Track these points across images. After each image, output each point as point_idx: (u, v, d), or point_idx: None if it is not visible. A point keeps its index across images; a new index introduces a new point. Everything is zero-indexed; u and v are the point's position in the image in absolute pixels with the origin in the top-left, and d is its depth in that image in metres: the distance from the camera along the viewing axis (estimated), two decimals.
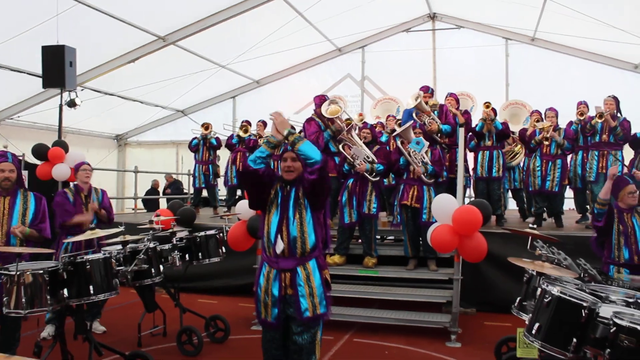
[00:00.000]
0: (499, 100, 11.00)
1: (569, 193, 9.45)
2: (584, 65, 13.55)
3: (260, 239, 4.17)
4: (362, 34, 15.20)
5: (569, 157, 8.75)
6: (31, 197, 5.07)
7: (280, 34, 12.91)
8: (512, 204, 10.47)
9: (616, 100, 8.30)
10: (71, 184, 6.48)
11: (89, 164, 6.52)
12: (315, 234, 3.96)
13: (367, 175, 7.37)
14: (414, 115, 8.16)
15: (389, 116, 10.42)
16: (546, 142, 8.31)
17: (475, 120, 8.98)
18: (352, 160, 7.40)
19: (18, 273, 4.09)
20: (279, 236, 3.91)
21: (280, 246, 3.91)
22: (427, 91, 8.60)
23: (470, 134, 8.83)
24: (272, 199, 4.01)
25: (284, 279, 3.93)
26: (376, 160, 7.43)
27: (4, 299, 4.14)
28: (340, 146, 7.60)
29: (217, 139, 10.98)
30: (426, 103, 8.33)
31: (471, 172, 9.19)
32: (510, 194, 10.20)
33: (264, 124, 11.25)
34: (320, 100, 8.20)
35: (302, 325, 3.89)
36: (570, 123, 8.79)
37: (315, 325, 3.95)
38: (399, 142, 7.44)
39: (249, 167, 3.93)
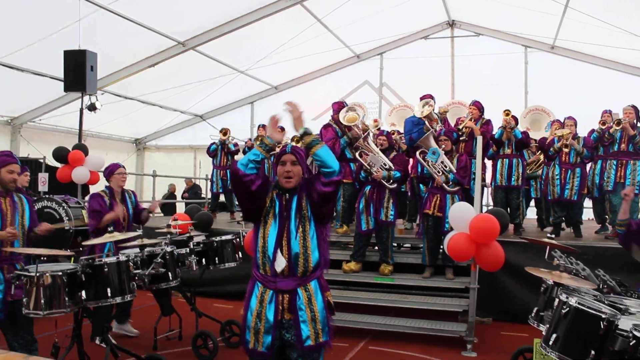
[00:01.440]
0: (518, 109, 10.91)
1: (588, 203, 9.35)
2: (604, 73, 13.42)
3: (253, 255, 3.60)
4: (381, 41, 15.20)
5: (588, 166, 8.65)
6: (23, 198, 5.09)
7: (298, 40, 12.96)
8: (530, 213, 10.38)
9: (635, 109, 8.22)
10: (104, 187, 6.45)
11: (124, 167, 6.45)
12: (319, 250, 3.47)
13: (384, 182, 7.36)
14: (427, 123, 8.12)
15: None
16: (565, 150, 8.23)
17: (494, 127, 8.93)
18: (369, 167, 7.40)
19: (38, 274, 4.14)
20: (279, 252, 3.40)
21: (281, 263, 3.39)
22: (431, 99, 8.56)
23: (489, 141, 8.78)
24: (267, 209, 3.50)
25: (281, 302, 3.41)
26: (393, 168, 7.42)
27: (24, 299, 4.19)
28: (357, 154, 7.60)
29: (236, 144, 11.03)
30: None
31: (488, 181, 9.13)
32: (533, 202, 10.12)
33: (283, 129, 11.26)
34: (338, 106, 8.22)
35: (302, 354, 3.41)
36: (592, 131, 8.70)
37: (316, 355, 3.46)
38: (418, 153, 7.43)
39: (238, 172, 3.41)
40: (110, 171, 6.34)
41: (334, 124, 8.10)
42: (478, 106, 8.82)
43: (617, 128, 8.12)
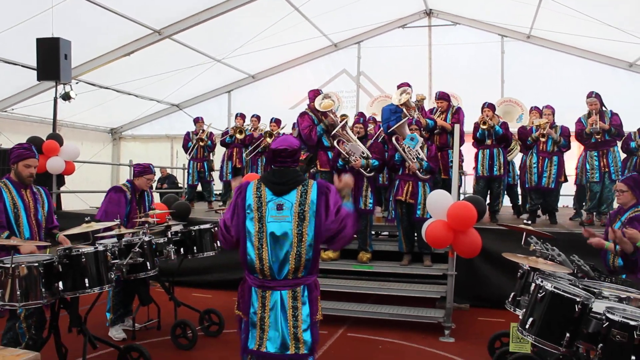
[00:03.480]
0: (494, 98, 10.99)
1: (563, 190, 9.48)
2: (579, 63, 13.60)
3: None
4: (358, 30, 15.18)
5: (577, 155, 8.76)
6: (41, 189, 5.09)
7: (276, 29, 12.88)
8: (505, 201, 10.50)
9: (599, 98, 8.33)
10: (126, 182, 6.43)
11: (154, 174, 6.49)
12: None
13: (362, 171, 7.37)
14: (404, 111, 8.14)
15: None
16: (542, 139, 8.35)
17: (470, 116, 8.98)
18: (347, 156, 7.40)
19: (13, 265, 4.07)
20: None
21: None
22: (408, 87, 8.56)
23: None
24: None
25: None
26: (371, 156, 7.44)
27: None
28: (335, 142, 7.60)
29: (212, 138, 11.01)
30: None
31: (470, 170, 9.20)
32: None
33: (258, 118, 11.25)
34: (314, 94, 8.20)
35: None
36: (579, 122, 8.65)
37: None
38: (393, 138, 7.44)
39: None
40: (140, 172, 6.34)
41: (310, 111, 8.09)
42: (444, 97, 8.85)
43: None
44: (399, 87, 8.35)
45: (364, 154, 7.42)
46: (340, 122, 7.76)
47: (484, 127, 8.62)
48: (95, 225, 4.81)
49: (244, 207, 3.38)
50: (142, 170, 6.35)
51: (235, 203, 3.43)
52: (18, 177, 4.85)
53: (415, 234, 7.40)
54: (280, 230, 3.28)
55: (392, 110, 8.17)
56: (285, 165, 3.43)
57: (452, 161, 7.88)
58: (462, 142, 8.13)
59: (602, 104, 8.35)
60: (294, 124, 10.88)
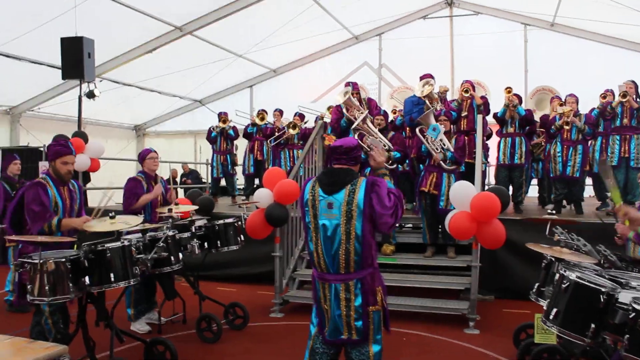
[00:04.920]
0: (518, 87, 10.88)
1: (589, 180, 9.34)
2: (604, 50, 13.38)
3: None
4: (379, 22, 15.13)
5: (588, 143, 8.64)
6: (76, 185, 5.16)
7: (296, 23, 12.90)
8: (531, 192, 10.38)
9: (635, 84, 8.19)
10: (138, 173, 6.57)
11: (155, 152, 6.57)
12: None
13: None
14: (427, 102, 8.09)
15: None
16: (566, 127, 8.21)
17: (494, 105, 8.90)
18: (368, 149, 7.38)
19: (41, 261, 4.16)
20: None
21: None
22: (431, 79, 8.50)
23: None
24: None
25: None
26: (392, 148, 7.41)
27: (28, 286, 4.22)
28: (357, 135, 7.58)
29: (235, 129, 11.00)
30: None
31: (493, 160, 9.12)
32: (535, 181, 10.13)
33: (281, 112, 11.27)
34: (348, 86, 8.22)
35: None
36: (593, 109, 8.68)
37: None
38: (418, 130, 7.41)
39: None
40: (143, 156, 6.52)
41: (343, 104, 8.09)
42: (471, 83, 8.80)
43: (623, 100, 8.07)
44: (421, 78, 8.31)
45: (385, 146, 7.40)
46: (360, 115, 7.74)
47: (507, 104, 8.48)
48: (119, 225, 4.83)
49: (302, 204, 3.64)
50: (142, 156, 6.52)
51: (300, 199, 3.73)
52: (57, 174, 4.89)
53: (440, 226, 7.36)
54: (331, 227, 3.48)
55: (414, 102, 8.13)
56: (341, 163, 3.59)
57: (475, 151, 7.82)
58: (484, 132, 8.06)
59: (637, 94, 8.18)
60: (316, 117, 10.91)
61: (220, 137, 10.88)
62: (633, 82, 8.20)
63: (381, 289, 3.57)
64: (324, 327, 3.58)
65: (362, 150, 7.42)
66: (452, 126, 7.77)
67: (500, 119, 8.65)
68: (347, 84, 8.43)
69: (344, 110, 8.04)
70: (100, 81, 12.10)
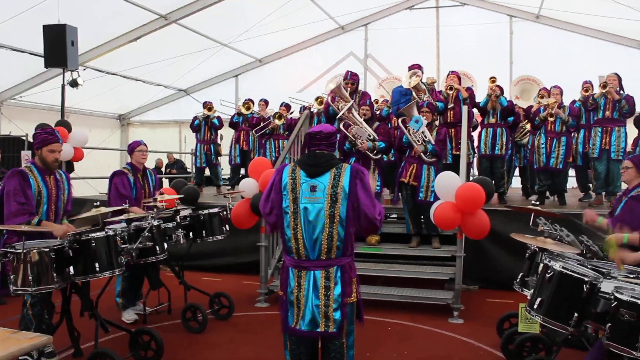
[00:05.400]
0: (503, 79, 10.92)
1: (572, 171, 9.43)
2: (589, 42, 13.48)
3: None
4: (365, 12, 15.11)
5: (572, 135, 8.71)
6: (63, 174, 5.10)
7: (282, 12, 12.83)
8: (515, 183, 10.47)
9: (618, 77, 8.26)
10: (126, 164, 6.47)
11: (145, 145, 6.43)
12: None
13: (368, 153, 7.36)
14: (414, 93, 8.11)
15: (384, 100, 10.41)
16: (551, 119, 8.26)
17: (479, 97, 8.95)
18: (354, 139, 7.39)
19: (25, 251, 4.12)
20: None
21: None
22: (419, 69, 8.52)
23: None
24: None
25: None
26: (377, 138, 7.42)
27: (11, 277, 4.18)
28: (342, 125, 7.58)
29: (219, 118, 10.94)
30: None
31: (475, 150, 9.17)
32: (517, 171, 10.20)
33: (266, 103, 11.24)
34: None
35: None
36: (574, 101, 8.76)
37: None
38: (400, 121, 7.42)
39: None
40: (132, 148, 6.36)
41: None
42: (457, 75, 8.81)
43: (603, 91, 8.14)
44: (409, 68, 8.31)
45: (370, 136, 7.41)
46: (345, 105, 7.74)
47: (490, 94, 8.50)
48: (104, 209, 4.83)
49: (280, 188, 3.48)
50: (131, 148, 6.36)
51: (272, 184, 3.54)
52: (43, 162, 4.82)
53: (422, 216, 7.40)
54: (314, 211, 3.36)
55: (402, 93, 8.15)
56: (321, 149, 3.50)
57: (460, 142, 7.85)
58: (470, 123, 8.09)
59: (621, 86, 8.25)
60: (301, 107, 10.89)
61: (205, 127, 10.82)
62: (616, 74, 8.28)
63: (356, 279, 3.52)
64: (290, 322, 3.44)
65: (346, 139, 7.50)
66: (436, 117, 7.78)
67: (482, 109, 8.69)
68: (417, 66, 8.42)
69: (329, 100, 8.04)
70: (84, 70, 11.97)
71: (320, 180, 3.41)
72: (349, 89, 7.95)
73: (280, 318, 3.54)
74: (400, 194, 7.47)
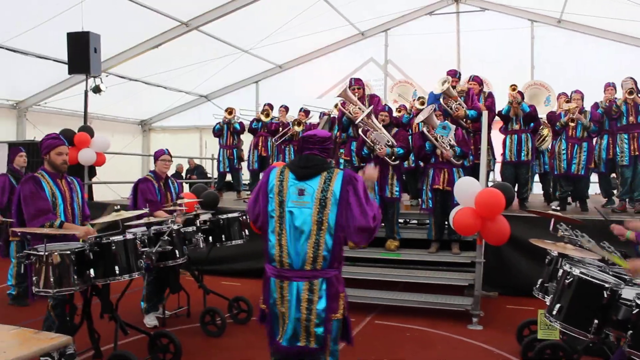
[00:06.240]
0: (524, 84, 10.84)
1: (594, 177, 9.31)
2: (612, 46, 13.29)
3: None
4: (385, 18, 15.09)
5: (594, 141, 8.59)
6: (74, 179, 5.19)
7: (302, 18, 12.89)
8: (536, 189, 10.36)
9: (634, 81, 8.14)
10: (149, 172, 6.63)
11: (168, 155, 6.56)
12: None
13: (387, 159, 7.34)
14: (441, 100, 8.07)
15: (415, 99, 10.32)
16: (572, 124, 8.16)
17: (499, 103, 8.87)
18: (372, 145, 7.38)
19: (46, 254, 4.18)
20: None
21: None
22: (455, 75, 8.46)
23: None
24: None
25: None
26: (396, 144, 7.41)
27: (34, 278, 4.25)
28: (361, 131, 7.57)
29: (241, 123, 11.01)
30: (453, 88, 8.17)
31: (499, 157, 9.07)
32: (537, 177, 10.09)
33: (286, 109, 11.28)
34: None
35: None
36: (596, 105, 8.63)
37: None
38: (424, 129, 7.39)
39: None
40: (157, 157, 6.56)
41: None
42: (478, 81, 8.70)
43: (629, 97, 8.01)
44: (447, 73, 8.30)
45: (389, 142, 7.39)
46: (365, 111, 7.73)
47: (511, 101, 8.41)
48: (125, 214, 4.88)
49: (266, 191, 3.30)
50: (155, 156, 6.55)
51: (259, 187, 3.37)
52: (52, 166, 4.92)
53: (447, 222, 7.34)
54: (300, 216, 3.17)
55: (437, 97, 8.13)
56: (313, 153, 3.32)
57: (480, 148, 7.80)
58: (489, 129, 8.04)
59: (637, 89, 8.13)
60: (320, 113, 10.91)
61: (227, 132, 10.87)
62: (632, 78, 8.16)
63: (344, 295, 3.26)
64: (275, 336, 3.24)
65: (365, 145, 7.47)
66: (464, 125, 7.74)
67: (504, 117, 8.60)
68: (453, 72, 8.45)
69: (340, 106, 8.03)
70: (107, 76, 12.13)
71: (309, 183, 3.21)
72: (356, 94, 7.95)
73: (266, 332, 3.34)
74: (431, 201, 7.38)
